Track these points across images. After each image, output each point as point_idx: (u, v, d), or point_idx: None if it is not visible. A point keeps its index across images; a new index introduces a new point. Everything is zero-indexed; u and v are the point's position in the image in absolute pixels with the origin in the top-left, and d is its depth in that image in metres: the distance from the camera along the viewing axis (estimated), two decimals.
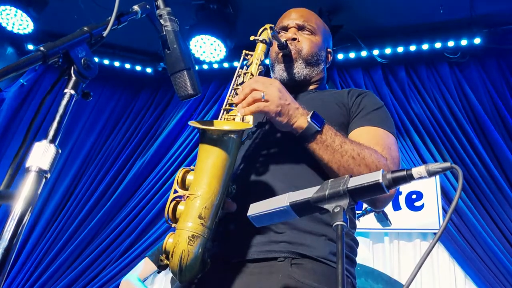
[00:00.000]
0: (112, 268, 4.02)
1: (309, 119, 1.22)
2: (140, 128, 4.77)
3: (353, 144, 1.26)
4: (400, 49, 4.21)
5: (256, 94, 1.20)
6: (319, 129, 1.23)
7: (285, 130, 1.25)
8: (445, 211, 3.66)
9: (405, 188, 3.88)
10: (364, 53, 4.30)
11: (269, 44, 1.45)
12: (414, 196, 3.86)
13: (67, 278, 4.01)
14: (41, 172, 0.76)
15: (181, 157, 4.45)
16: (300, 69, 1.55)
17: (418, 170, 0.81)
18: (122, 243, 4.15)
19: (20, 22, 4.11)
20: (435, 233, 3.69)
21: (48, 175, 0.77)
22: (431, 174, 0.81)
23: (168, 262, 1.11)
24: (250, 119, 1.23)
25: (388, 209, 3.63)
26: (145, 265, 2.49)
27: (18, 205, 0.72)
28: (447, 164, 0.80)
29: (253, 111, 1.19)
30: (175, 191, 1.16)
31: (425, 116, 4.04)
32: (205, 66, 4.58)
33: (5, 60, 4.58)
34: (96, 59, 0.91)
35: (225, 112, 1.31)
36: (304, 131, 1.22)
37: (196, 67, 1.16)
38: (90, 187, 4.47)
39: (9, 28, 4.17)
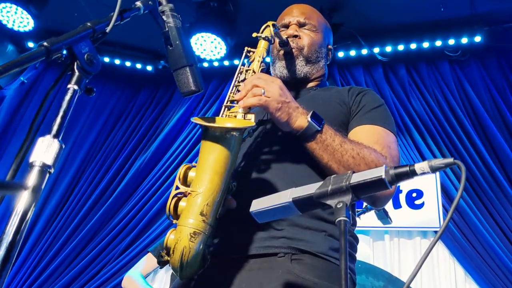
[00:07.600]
0: (113, 265, 4.03)
1: (309, 119, 1.22)
2: (141, 126, 4.78)
3: (352, 144, 1.26)
4: (400, 47, 4.21)
5: (257, 90, 1.21)
6: (319, 129, 1.23)
7: (285, 129, 1.25)
8: (445, 209, 3.66)
9: (405, 187, 3.88)
10: (364, 51, 4.30)
11: (271, 42, 1.44)
12: (414, 194, 3.86)
13: (68, 275, 4.02)
14: (45, 167, 0.75)
15: (182, 154, 4.46)
16: (300, 67, 1.55)
17: (421, 166, 0.81)
18: (123, 240, 4.16)
19: (20, 20, 4.11)
20: (435, 231, 3.70)
21: (52, 170, 0.77)
22: (434, 169, 0.80)
23: (168, 258, 1.11)
24: (252, 117, 1.22)
25: (389, 207, 3.63)
26: (148, 261, 2.49)
27: (22, 200, 0.72)
28: (450, 160, 0.80)
29: (253, 104, 1.20)
30: (177, 188, 1.15)
31: (425, 114, 4.04)
32: (205, 64, 4.57)
33: (5, 58, 4.57)
34: None
35: (226, 109, 1.30)
36: (304, 130, 1.22)
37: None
38: (91, 185, 4.47)
39: (9, 25, 4.17)
